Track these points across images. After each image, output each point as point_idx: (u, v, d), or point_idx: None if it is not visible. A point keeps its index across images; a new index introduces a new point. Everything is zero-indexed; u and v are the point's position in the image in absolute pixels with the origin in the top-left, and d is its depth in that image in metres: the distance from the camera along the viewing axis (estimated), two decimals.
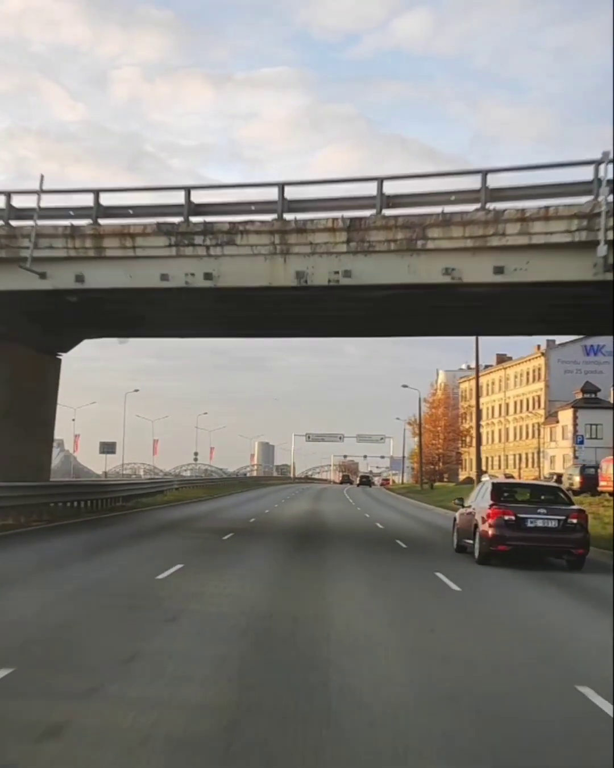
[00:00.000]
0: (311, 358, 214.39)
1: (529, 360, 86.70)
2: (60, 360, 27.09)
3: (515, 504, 16.06)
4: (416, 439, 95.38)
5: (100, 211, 19.13)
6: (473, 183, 17.38)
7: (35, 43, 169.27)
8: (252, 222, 18.46)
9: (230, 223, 18.55)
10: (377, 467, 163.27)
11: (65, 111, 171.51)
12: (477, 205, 16.95)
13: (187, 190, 18.95)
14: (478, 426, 43.14)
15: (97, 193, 19.31)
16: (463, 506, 18.15)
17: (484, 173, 17.06)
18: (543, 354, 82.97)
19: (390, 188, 17.81)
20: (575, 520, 15.44)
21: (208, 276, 18.59)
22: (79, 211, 19.51)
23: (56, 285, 19.38)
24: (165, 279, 18.73)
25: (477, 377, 43.55)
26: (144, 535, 19.82)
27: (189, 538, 19.40)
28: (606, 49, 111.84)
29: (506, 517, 15.30)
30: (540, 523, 15.35)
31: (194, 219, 18.70)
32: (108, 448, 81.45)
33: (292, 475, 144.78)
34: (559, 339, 78.34)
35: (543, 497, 16.99)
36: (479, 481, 33.85)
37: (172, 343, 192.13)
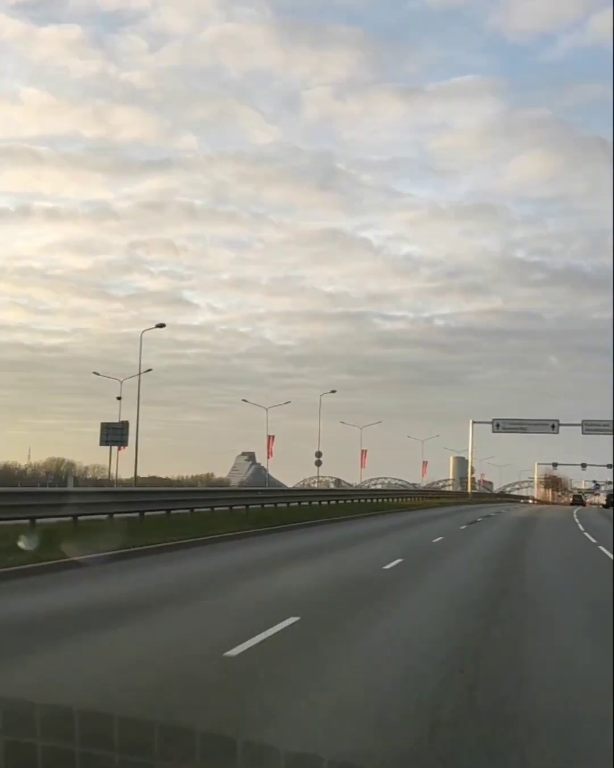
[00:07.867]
0: (510, 371, 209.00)
1: None
2: None
3: None
4: None
5: None
6: None
7: (231, 70, 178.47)
8: None
9: None
10: (595, 481, 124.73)
11: (260, 134, 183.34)
12: None
13: None
14: None
15: None
16: None
17: None
18: None
19: None
20: None
21: None
22: None
23: None
24: None
25: None
26: None
27: None
28: None
29: None
30: None
31: None
32: (115, 433, 52.07)
33: (467, 489, 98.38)
34: None
35: None
36: None
37: (362, 358, 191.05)
